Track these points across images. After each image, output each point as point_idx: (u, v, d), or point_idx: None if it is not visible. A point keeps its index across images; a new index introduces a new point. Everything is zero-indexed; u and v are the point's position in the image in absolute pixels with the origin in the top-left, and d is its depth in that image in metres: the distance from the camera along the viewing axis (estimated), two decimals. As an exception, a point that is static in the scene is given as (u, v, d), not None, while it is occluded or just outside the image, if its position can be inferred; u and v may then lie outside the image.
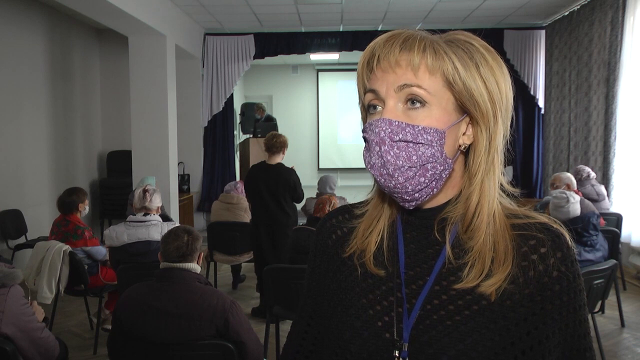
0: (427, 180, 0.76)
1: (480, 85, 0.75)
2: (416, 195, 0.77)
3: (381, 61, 0.77)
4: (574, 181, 4.74)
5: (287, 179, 4.19)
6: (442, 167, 0.76)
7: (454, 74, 0.75)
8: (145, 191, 3.45)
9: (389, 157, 0.75)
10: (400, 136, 0.75)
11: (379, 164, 0.76)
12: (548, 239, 0.76)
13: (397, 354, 0.77)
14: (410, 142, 0.75)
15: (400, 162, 0.75)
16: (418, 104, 0.75)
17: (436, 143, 0.75)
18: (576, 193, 4.49)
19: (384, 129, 0.75)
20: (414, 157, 0.75)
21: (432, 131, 0.75)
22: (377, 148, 0.76)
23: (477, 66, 0.76)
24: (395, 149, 0.75)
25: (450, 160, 0.77)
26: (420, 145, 0.75)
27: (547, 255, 0.76)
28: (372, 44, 0.79)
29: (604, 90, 5.77)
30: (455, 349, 0.74)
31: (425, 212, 0.82)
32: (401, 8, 6.69)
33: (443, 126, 0.76)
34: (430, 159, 0.75)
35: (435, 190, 0.78)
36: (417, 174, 0.75)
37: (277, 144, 4.15)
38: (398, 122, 0.75)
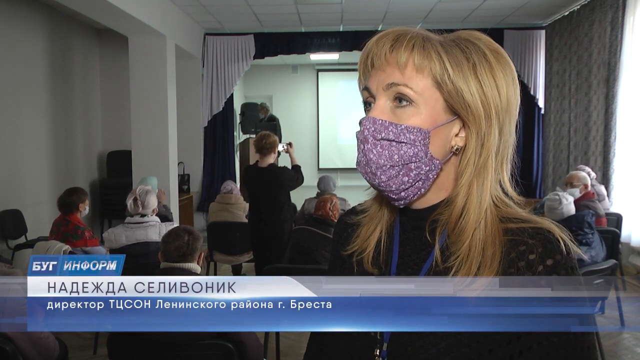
0: (411, 180, 0.76)
1: (473, 86, 0.74)
2: (402, 194, 0.77)
3: (374, 59, 0.77)
4: (589, 182, 4.67)
5: (282, 180, 4.18)
6: (427, 168, 0.76)
7: (442, 73, 0.74)
8: (135, 200, 3.43)
9: (371, 156, 0.76)
10: (383, 135, 0.75)
11: (364, 162, 0.77)
12: (539, 245, 0.73)
13: (377, 353, 0.79)
14: (393, 140, 0.75)
15: (382, 161, 0.75)
16: (405, 103, 0.75)
17: (419, 143, 0.75)
18: (591, 195, 4.48)
19: (367, 127, 0.76)
20: (396, 156, 0.75)
21: (415, 130, 0.74)
22: (362, 146, 0.77)
23: (473, 66, 0.74)
24: (378, 148, 0.75)
25: (438, 161, 0.76)
26: (403, 144, 0.75)
27: (535, 262, 0.72)
28: (369, 41, 0.79)
29: (604, 90, 5.77)
30: (427, 352, 0.74)
31: (418, 212, 0.81)
32: (401, 8, 6.69)
33: (429, 126, 0.75)
34: (413, 158, 0.75)
35: (422, 190, 0.77)
36: (400, 173, 0.75)
37: (267, 145, 4.11)
38: (381, 120, 0.75)
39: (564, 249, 0.72)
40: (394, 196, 0.78)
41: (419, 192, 0.77)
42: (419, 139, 0.75)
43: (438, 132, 0.76)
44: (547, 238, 0.73)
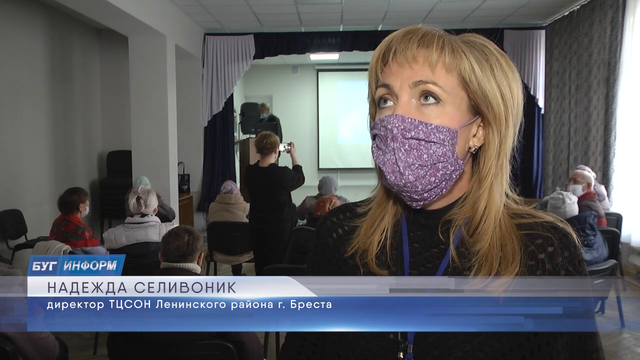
0: (437, 180, 0.75)
1: (494, 87, 0.75)
2: (425, 195, 0.76)
3: (398, 55, 0.76)
4: (593, 181, 4.66)
5: (282, 180, 4.17)
6: (452, 168, 0.75)
7: (470, 73, 0.74)
8: (138, 198, 3.44)
9: (400, 155, 0.74)
10: (413, 133, 0.74)
11: (392, 161, 0.75)
12: (555, 238, 0.76)
13: (401, 356, 0.76)
14: (422, 140, 0.74)
15: (411, 160, 0.74)
16: (432, 101, 0.74)
17: (448, 142, 0.74)
18: (592, 195, 4.47)
19: (396, 125, 0.74)
20: (425, 156, 0.74)
21: (444, 130, 0.74)
22: (391, 144, 0.74)
23: (492, 68, 0.75)
24: (406, 146, 0.74)
25: (462, 162, 0.76)
26: (432, 143, 0.74)
27: (555, 254, 0.75)
28: (389, 37, 0.78)
29: (604, 90, 5.77)
30: (462, 350, 0.74)
31: (430, 212, 0.81)
32: (401, 8, 6.69)
33: (455, 125, 0.75)
34: (442, 158, 0.74)
35: (444, 190, 0.77)
36: (428, 173, 0.74)
37: (268, 145, 4.11)
38: (411, 119, 0.74)
39: (576, 242, 0.77)
40: (416, 197, 0.76)
41: (440, 193, 0.77)
42: (448, 138, 0.74)
43: (462, 132, 0.76)
44: (561, 231, 0.77)
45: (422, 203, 0.77)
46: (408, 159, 0.74)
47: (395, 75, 0.76)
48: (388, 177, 0.76)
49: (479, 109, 0.76)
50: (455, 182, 0.78)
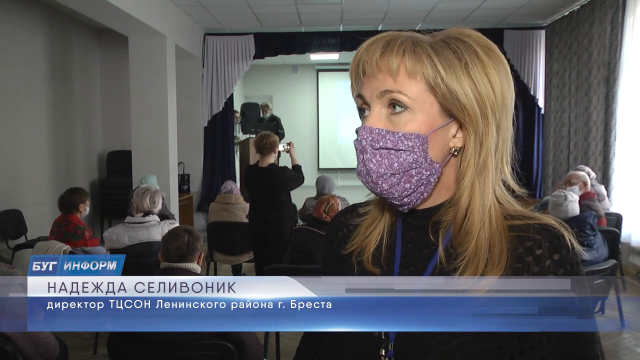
0: (413, 186, 0.75)
1: (467, 86, 0.73)
2: (405, 200, 0.77)
3: (365, 67, 0.76)
4: (589, 181, 4.67)
5: (282, 180, 4.18)
6: (428, 172, 0.75)
7: (435, 77, 0.73)
8: (152, 201, 3.47)
9: (371, 165, 0.75)
10: (381, 144, 0.75)
11: (364, 172, 0.77)
12: (545, 241, 0.74)
13: (383, 353, 0.78)
14: (391, 149, 0.74)
15: (383, 170, 0.75)
16: (400, 109, 0.74)
17: (418, 149, 0.74)
18: (591, 194, 4.48)
19: (365, 137, 0.75)
20: (396, 164, 0.74)
21: (413, 137, 0.74)
22: (361, 156, 0.77)
23: (465, 65, 0.73)
24: (377, 157, 0.75)
25: (438, 165, 0.76)
26: (402, 152, 0.74)
27: (543, 256, 0.73)
28: (359, 48, 0.78)
29: (604, 90, 5.77)
30: (438, 350, 0.74)
31: (421, 212, 0.81)
32: (401, 8, 6.69)
33: (426, 131, 0.74)
34: (413, 164, 0.74)
35: (425, 194, 0.77)
36: (402, 180, 0.75)
37: (267, 145, 4.12)
38: (378, 129, 0.75)
39: (569, 245, 0.74)
40: (397, 202, 0.77)
41: (421, 197, 0.77)
42: (418, 144, 0.74)
43: (436, 135, 0.75)
44: (553, 233, 0.75)
45: (406, 207, 0.78)
46: (380, 169, 0.75)
47: (365, 86, 0.77)
48: (365, 186, 0.78)
49: (450, 112, 0.75)
50: (437, 184, 0.78)
